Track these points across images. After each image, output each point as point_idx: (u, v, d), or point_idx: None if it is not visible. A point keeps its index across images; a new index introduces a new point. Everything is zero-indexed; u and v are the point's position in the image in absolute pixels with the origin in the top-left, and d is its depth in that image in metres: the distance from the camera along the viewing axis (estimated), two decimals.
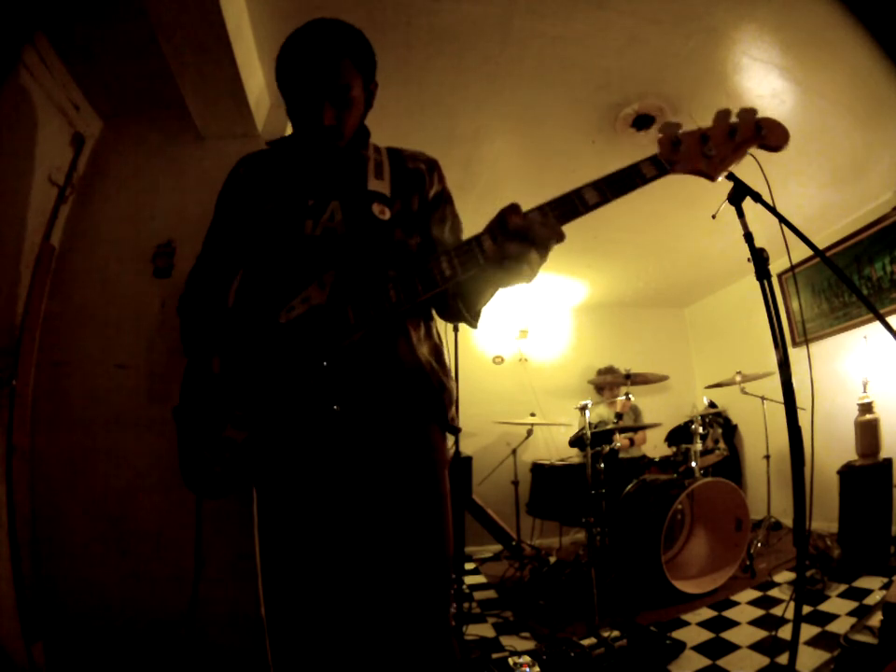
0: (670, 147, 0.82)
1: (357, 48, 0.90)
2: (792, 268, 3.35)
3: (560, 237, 0.74)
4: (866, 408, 2.74)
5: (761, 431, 3.28)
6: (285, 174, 0.99)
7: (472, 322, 0.97)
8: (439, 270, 0.78)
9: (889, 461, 2.53)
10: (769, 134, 0.84)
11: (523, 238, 0.73)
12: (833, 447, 2.68)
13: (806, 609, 1.94)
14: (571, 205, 0.76)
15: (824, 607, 1.99)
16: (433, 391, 0.94)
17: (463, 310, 0.94)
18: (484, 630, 2.11)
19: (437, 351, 0.99)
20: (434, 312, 1.03)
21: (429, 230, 1.00)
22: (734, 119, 0.84)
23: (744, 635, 1.86)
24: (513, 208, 0.75)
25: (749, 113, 0.85)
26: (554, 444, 4.06)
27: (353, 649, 0.86)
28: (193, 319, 1.01)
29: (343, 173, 0.97)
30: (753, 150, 0.87)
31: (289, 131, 1.87)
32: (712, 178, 0.84)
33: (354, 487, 0.88)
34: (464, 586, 2.27)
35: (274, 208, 0.93)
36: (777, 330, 0.98)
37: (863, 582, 2.19)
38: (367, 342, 0.85)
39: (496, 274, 0.77)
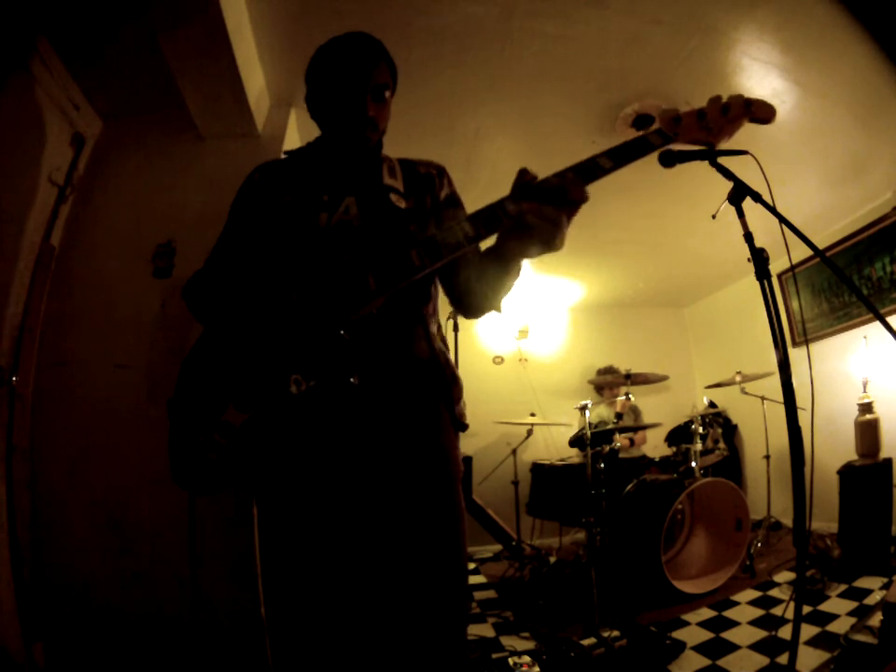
0: (671, 122, 0.90)
1: (388, 56, 0.98)
2: (792, 268, 3.36)
3: (586, 197, 0.75)
4: (866, 408, 2.74)
5: (761, 431, 3.28)
6: (301, 173, 1.00)
7: (497, 304, 0.96)
8: (463, 231, 0.76)
9: (888, 461, 2.53)
10: (758, 109, 0.93)
11: (557, 199, 0.73)
12: (833, 447, 2.67)
13: (806, 609, 1.94)
14: (590, 169, 0.80)
15: (824, 607, 1.99)
16: (446, 382, 0.95)
17: (489, 292, 0.93)
18: (484, 630, 2.11)
19: (447, 345, 1.01)
20: (454, 305, 1.04)
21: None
22: (725, 100, 0.93)
23: (744, 635, 1.86)
24: (528, 173, 0.76)
25: (738, 96, 0.93)
26: (554, 444, 4.05)
27: (353, 651, 0.85)
28: (206, 295, 0.99)
29: (358, 172, 0.99)
30: (751, 148, 0.93)
31: (289, 131, 1.90)
32: (714, 144, 0.91)
33: (363, 477, 0.86)
34: None
35: (292, 201, 0.94)
36: (777, 330, 0.98)
37: (863, 582, 2.19)
38: (384, 319, 0.84)
39: (522, 244, 0.77)
